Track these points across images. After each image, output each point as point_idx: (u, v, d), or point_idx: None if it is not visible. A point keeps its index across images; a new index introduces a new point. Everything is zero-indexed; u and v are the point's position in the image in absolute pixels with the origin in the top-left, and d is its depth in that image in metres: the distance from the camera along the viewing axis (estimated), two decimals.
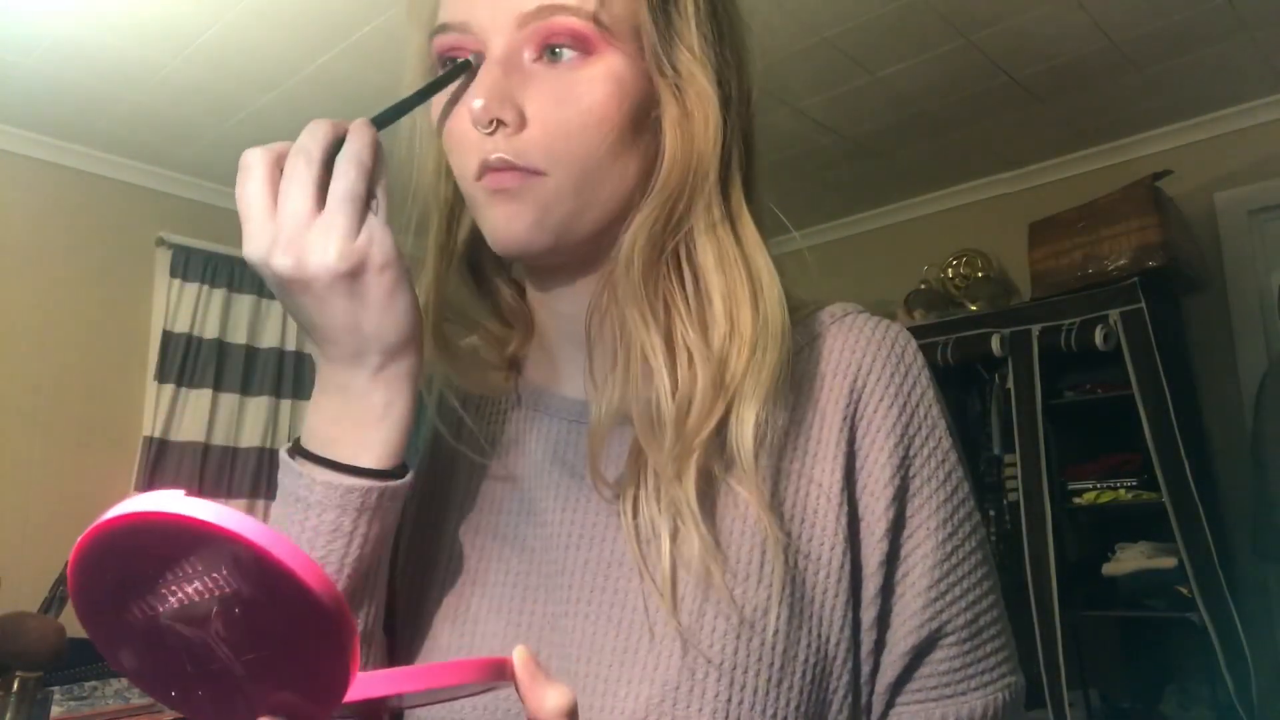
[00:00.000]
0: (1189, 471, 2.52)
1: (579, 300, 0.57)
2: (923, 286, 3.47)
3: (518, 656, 0.37)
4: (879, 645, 0.52)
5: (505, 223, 0.52)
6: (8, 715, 1.46)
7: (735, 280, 0.53)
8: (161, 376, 3.15)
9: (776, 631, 0.49)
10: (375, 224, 0.47)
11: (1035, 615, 2.67)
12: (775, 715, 0.48)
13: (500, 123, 0.51)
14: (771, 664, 0.48)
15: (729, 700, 0.48)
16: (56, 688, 2.14)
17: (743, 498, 0.51)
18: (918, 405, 0.55)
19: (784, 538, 0.51)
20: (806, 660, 0.49)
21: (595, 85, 0.51)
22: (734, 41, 0.57)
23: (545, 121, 0.51)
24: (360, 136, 0.48)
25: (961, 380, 3.06)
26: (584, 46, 0.51)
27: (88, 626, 0.34)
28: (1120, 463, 2.75)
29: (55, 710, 2.01)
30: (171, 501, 0.30)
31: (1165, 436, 2.56)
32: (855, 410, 0.54)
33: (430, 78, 0.57)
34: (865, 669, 0.52)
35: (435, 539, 0.59)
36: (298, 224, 0.45)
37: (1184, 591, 2.54)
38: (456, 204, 0.60)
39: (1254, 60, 2.66)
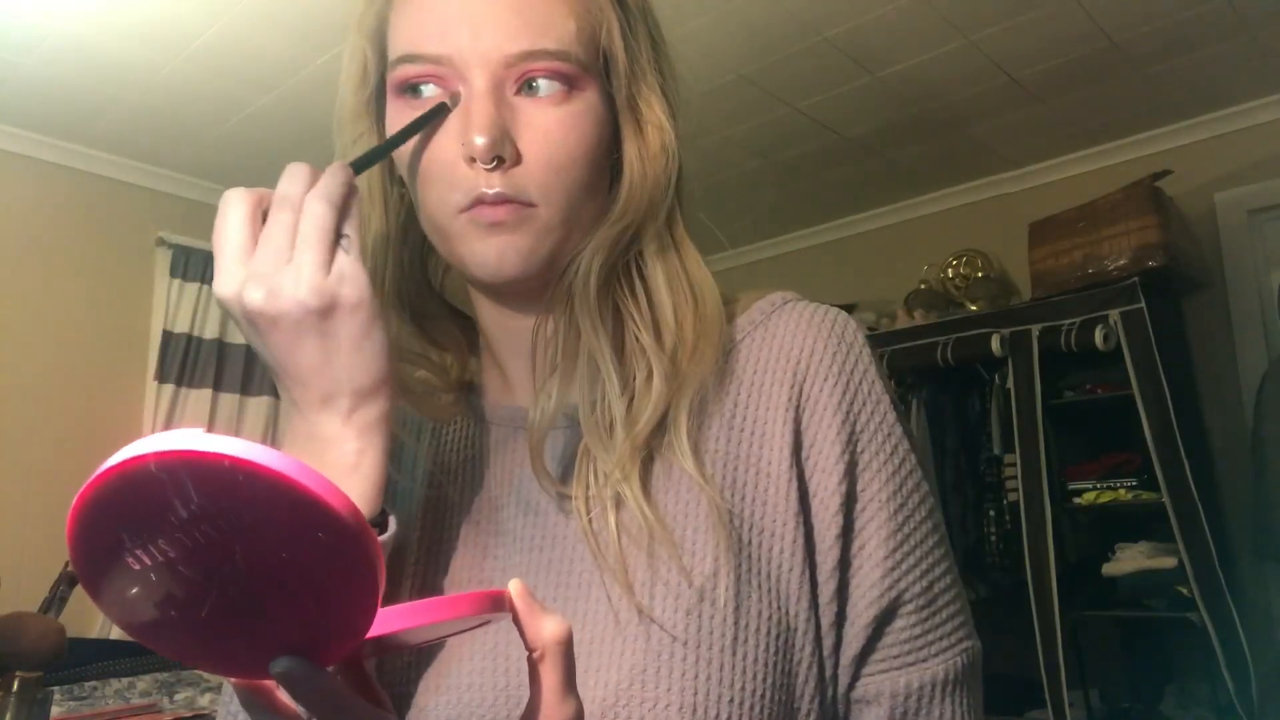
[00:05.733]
0: (1189, 471, 2.52)
1: (534, 314, 0.60)
2: (923, 286, 3.47)
3: (514, 588, 0.39)
4: (840, 618, 0.54)
5: (499, 253, 0.54)
6: (8, 715, 1.46)
7: (681, 295, 0.58)
8: (161, 376, 3.15)
9: (728, 601, 0.51)
10: (347, 262, 0.47)
11: (1035, 615, 2.68)
12: (742, 687, 0.49)
13: (500, 158, 0.52)
14: (726, 634, 0.50)
15: (695, 676, 0.49)
16: (56, 688, 2.13)
17: (684, 475, 0.54)
18: (860, 382, 0.57)
19: (725, 502, 0.53)
20: (767, 631, 0.51)
21: (579, 121, 0.54)
22: (673, 76, 0.60)
23: (538, 156, 0.53)
24: (334, 175, 0.48)
25: (961, 380, 3.06)
26: (565, 83, 0.54)
27: (90, 583, 0.32)
28: (1120, 463, 2.75)
29: (55, 710, 2.00)
30: (195, 439, 0.28)
31: (1165, 436, 2.56)
32: (800, 392, 0.56)
33: (373, 98, 0.59)
34: (828, 642, 0.54)
35: (401, 559, 0.60)
36: (272, 263, 0.45)
37: (1184, 591, 2.54)
38: (394, 237, 0.62)
39: (1254, 60, 2.66)
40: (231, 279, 0.46)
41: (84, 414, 2.99)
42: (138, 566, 0.31)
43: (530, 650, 0.39)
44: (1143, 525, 2.71)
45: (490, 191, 0.52)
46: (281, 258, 0.46)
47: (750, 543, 0.53)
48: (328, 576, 0.31)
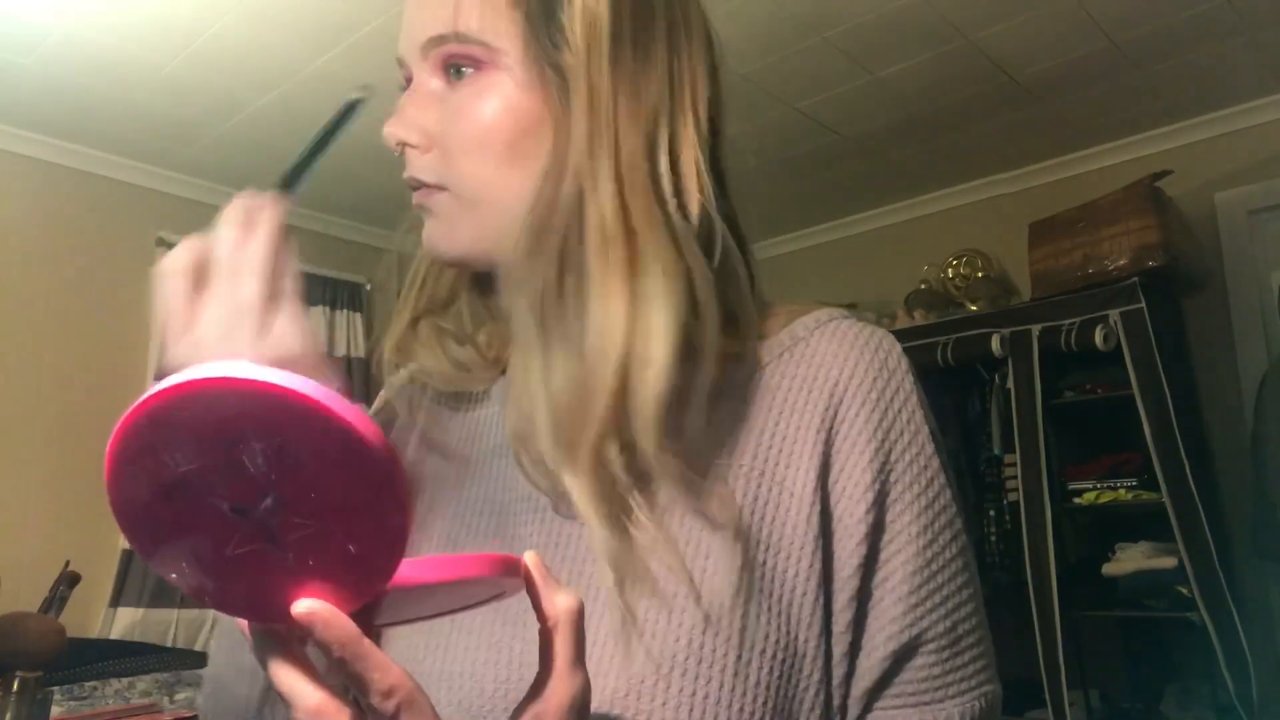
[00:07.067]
0: (1189, 471, 2.52)
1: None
2: (923, 286, 3.47)
3: (529, 559, 0.39)
4: (854, 648, 0.53)
5: (428, 235, 0.57)
6: (8, 715, 1.46)
7: (617, 300, 0.51)
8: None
9: (734, 622, 0.49)
10: (283, 323, 0.50)
11: (1035, 615, 2.68)
12: (741, 709, 0.48)
13: (408, 145, 0.55)
14: (729, 655, 0.49)
15: (693, 694, 0.48)
16: (56, 688, 2.13)
17: (702, 488, 0.52)
18: (900, 410, 0.55)
19: (742, 521, 0.52)
20: (772, 655, 0.50)
21: (481, 100, 0.54)
22: (656, 47, 0.55)
23: (440, 139, 0.55)
24: (264, 226, 0.51)
25: (961, 380, 3.06)
26: (475, 66, 0.54)
27: (123, 515, 0.33)
28: (1120, 463, 2.75)
29: (55, 710, 2.01)
30: (242, 369, 0.30)
31: (1165, 436, 2.56)
32: (835, 415, 0.54)
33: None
34: (839, 672, 0.52)
35: (419, 544, 0.60)
36: (213, 335, 0.49)
37: (1184, 591, 2.54)
38: None
39: (1254, 60, 2.66)
40: (175, 354, 0.49)
41: (84, 414, 2.99)
42: (172, 498, 0.32)
43: (542, 621, 0.39)
44: (1143, 525, 2.71)
45: (405, 176, 0.56)
46: (219, 329, 0.49)
47: (764, 564, 0.51)
48: (357, 514, 0.32)
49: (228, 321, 0.48)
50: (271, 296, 0.50)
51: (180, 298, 0.49)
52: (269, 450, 0.31)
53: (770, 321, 0.59)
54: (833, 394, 0.55)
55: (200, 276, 0.50)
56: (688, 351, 0.52)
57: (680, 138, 0.56)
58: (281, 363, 0.48)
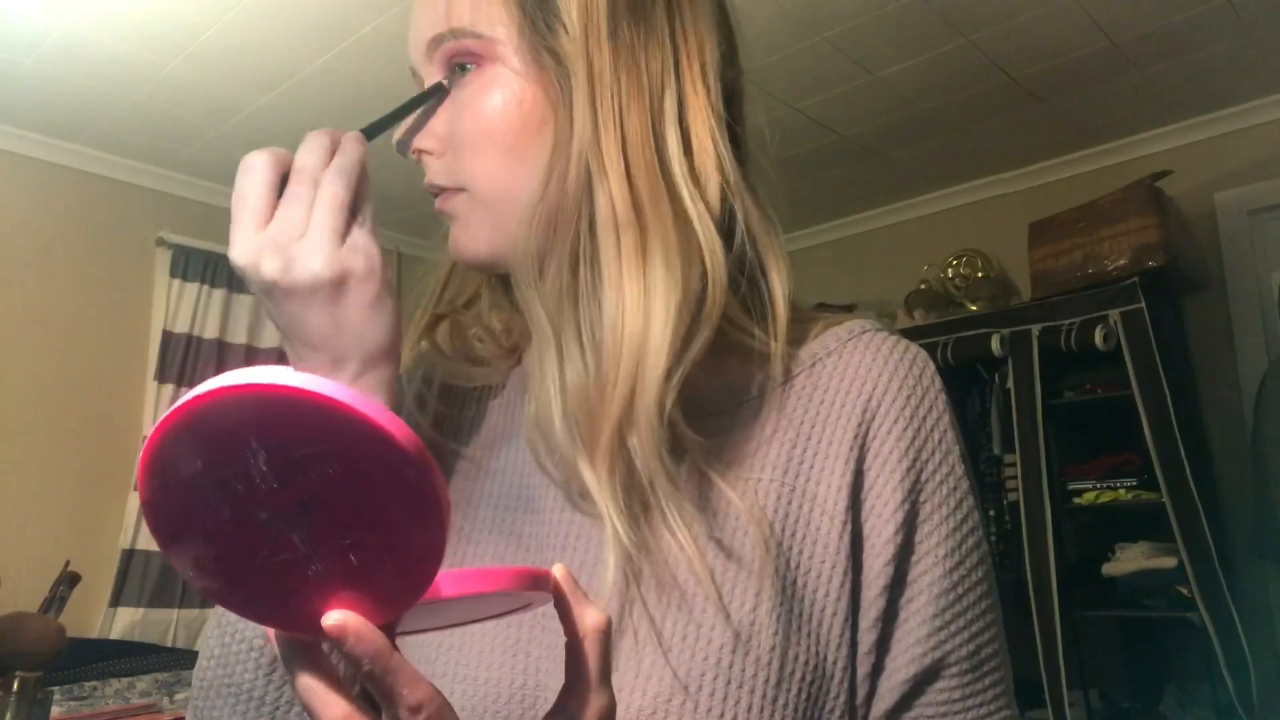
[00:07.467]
0: (1189, 471, 2.52)
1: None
2: (923, 286, 3.47)
3: (559, 572, 0.37)
4: (877, 669, 0.52)
5: (454, 241, 0.56)
6: (8, 715, 1.46)
7: (631, 284, 0.50)
8: (161, 376, 3.15)
9: (766, 640, 0.48)
10: (360, 235, 0.48)
11: (1035, 615, 2.68)
12: None
13: (423, 152, 0.55)
14: (760, 675, 0.47)
15: (721, 716, 0.46)
16: (56, 688, 2.14)
17: (733, 501, 0.51)
18: (932, 430, 0.54)
19: (774, 536, 0.50)
20: (803, 678, 0.49)
21: (483, 95, 0.53)
22: (655, 16, 0.53)
23: (451, 140, 0.54)
24: (350, 151, 0.50)
25: (961, 380, 3.06)
26: (475, 61, 0.53)
27: (154, 517, 0.32)
28: (1120, 463, 2.75)
29: (55, 710, 2.01)
30: (283, 375, 0.29)
31: (1165, 436, 2.56)
32: (867, 431, 0.53)
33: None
34: (861, 692, 0.51)
35: None
36: (289, 234, 0.47)
37: (1184, 591, 2.54)
38: None
39: (1254, 60, 2.66)
40: (248, 246, 0.47)
41: (84, 414, 2.99)
42: (205, 503, 0.31)
43: (571, 636, 0.38)
44: (1143, 525, 2.71)
45: (425, 183, 0.55)
46: (297, 230, 0.47)
47: (795, 582, 0.50)
48: (394, 526, 0.31)
49: (304, 225, 0.47)
50: (350, 209, 0.49)
51: (261, 191, 0.47)
52: (308, 459, 0.30)
53: (803, 329, 0.58)
54: (865, 409, 0.54)
55: (281, 179, 0.48)
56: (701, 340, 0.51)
57: (690, 110, 0.53)
58: (352, 274, 0.47)
